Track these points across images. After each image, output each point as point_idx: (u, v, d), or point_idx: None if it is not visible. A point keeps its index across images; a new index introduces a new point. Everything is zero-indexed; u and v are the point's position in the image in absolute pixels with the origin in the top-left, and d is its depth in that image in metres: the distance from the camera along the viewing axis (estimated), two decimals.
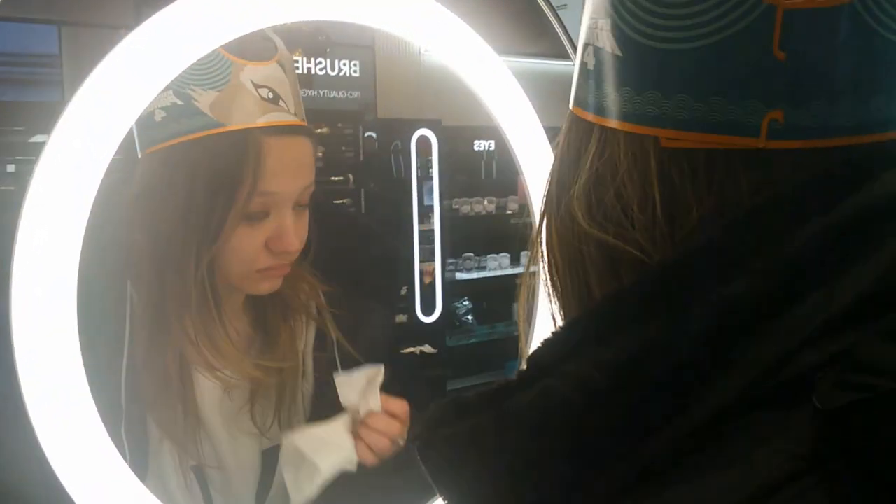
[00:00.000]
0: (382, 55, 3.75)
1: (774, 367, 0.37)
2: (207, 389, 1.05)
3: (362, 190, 3.62)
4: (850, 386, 0.34)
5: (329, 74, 3.58)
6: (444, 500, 0.44)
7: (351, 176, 3.61)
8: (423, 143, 3.71)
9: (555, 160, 0.51)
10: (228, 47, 0.93)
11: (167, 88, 0.91)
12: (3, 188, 2.76)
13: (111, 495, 0.80)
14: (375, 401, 1.05)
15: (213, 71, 0.96)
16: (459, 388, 3.77)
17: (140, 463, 0.96)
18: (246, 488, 1.08)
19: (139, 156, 0.99)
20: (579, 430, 0.40)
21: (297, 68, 3.45)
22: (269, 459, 1.09)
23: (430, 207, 3.76)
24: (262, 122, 0.97)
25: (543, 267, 0.52)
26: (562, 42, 1.14)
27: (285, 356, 1.10)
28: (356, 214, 3.29)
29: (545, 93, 1.14)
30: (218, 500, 1.06)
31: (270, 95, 0.98)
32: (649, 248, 0.44)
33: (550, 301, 0.52)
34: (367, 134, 3.65)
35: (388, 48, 3.75)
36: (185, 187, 0.95)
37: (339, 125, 3.59)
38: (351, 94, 3.65)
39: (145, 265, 0.98)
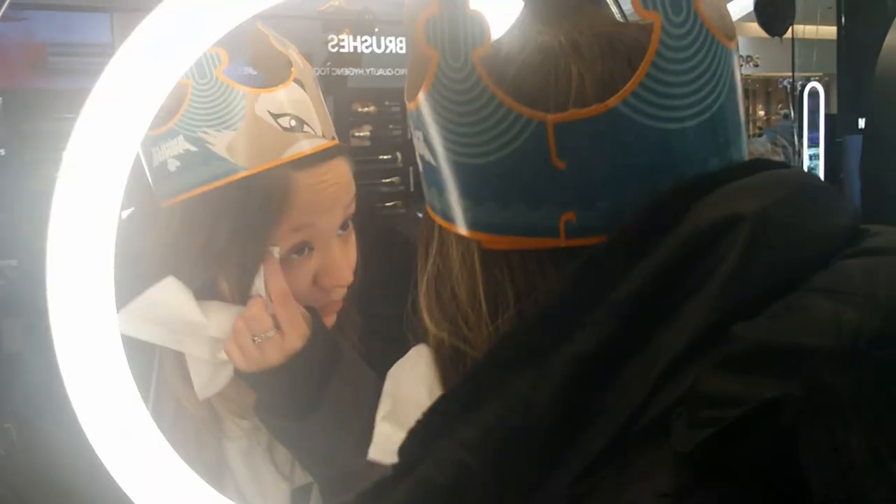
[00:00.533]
0: None
1: (631, 416, 0.39)
2: (234, 436, 1.01)
3: (410, 168, 3.62)
4: (699, 423, 0.36)
5: (376, 52, 3.56)
6: None
7: (399, 154, 3.61)
8: None
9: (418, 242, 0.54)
10: (234, 75, 0.86)
11: (177, 134, 0.84)
12: (56, 175, 2.82)
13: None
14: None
15: (223, 108, 0.86)
16: None
17: None
18: None
19: (161, 206, 0.91)
20: None
21: (344, 47, 3.44)
22: (300, 499, 1.03)
23: None
24: (287, 156, 0.88)
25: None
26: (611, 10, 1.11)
27: None
28: (404, 223, 3.29)
29: None
30: None
31: (293, 123, 0.89)
32: (479, 345, 0.48)
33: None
34: None
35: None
36: (212, 242, 0.88)
37: (387, 103, 3.57)
38: (398, 72, 3.63)
39: None
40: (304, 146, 0.89)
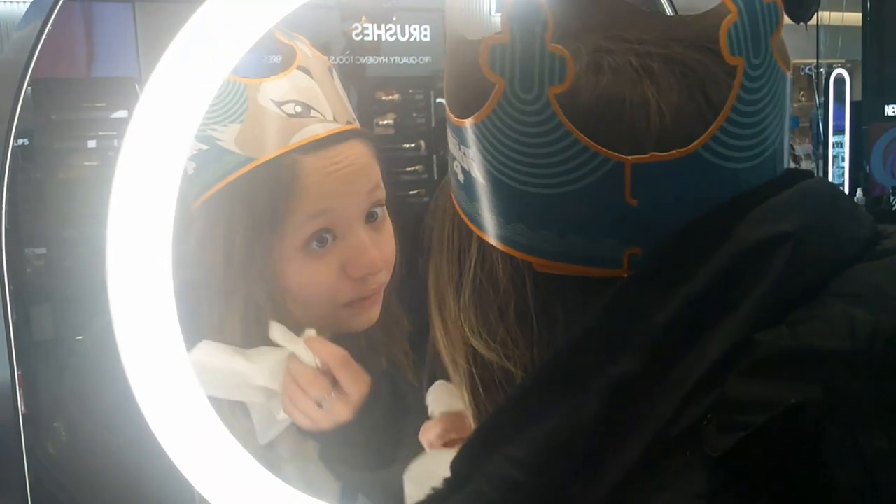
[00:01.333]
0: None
1: (666, 425, 0.41)
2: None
3: (434, 156, 3.61)
4: (730, 428, 0.38)
5: (399, 40, 3.55)
6: None
7: (423, 142, 3.60)
8: None
9: (434, 244, 0.53)
10: (236, 70, 0.83)
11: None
12: (86, 164, 2.84)
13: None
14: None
15: (227, 102, 0.85)
16: None
17: None
18: None
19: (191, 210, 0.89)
20: None
21: (368, 35, 3.44)
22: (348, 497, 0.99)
23: None
24: (295, 141, 0.86)
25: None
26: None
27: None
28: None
29: None
30: None
31: (298, 109, 0.87)
32: (523, 365, 0.48)
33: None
34: (438, 100, 3.63)
35: (459, 11, 3.70)
36: (226, 236, 0.86)
37: (410, 91, 3.57)
38: (422, 60, 3.62)
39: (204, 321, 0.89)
40: (313, 131, 0.87)
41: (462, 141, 0.48)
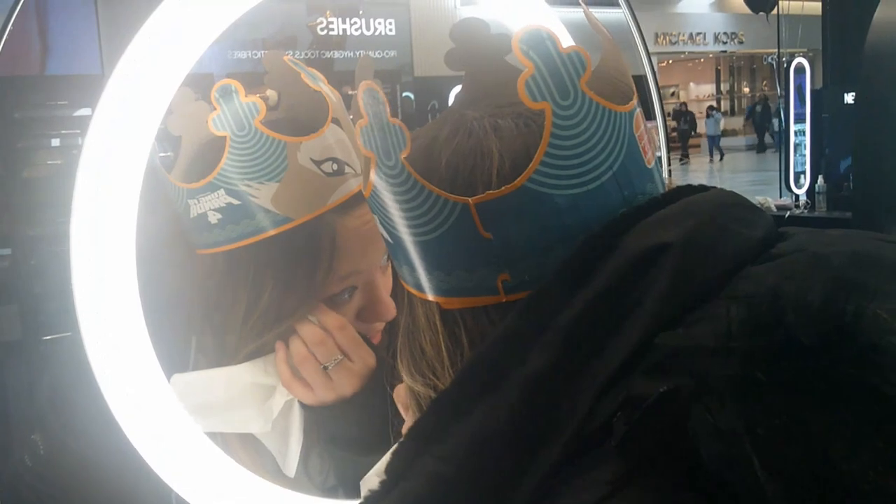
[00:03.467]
0: (418, 12, 3.72)
1: (582, 421, 0.45)
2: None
3: None
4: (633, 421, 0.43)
5: (364, 34, 3.56)
6: None
7: None
8: None
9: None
10: (274, 125, 0.83)
11: (217, 188, 0.83)
12: (50, 162, 2.81)
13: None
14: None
15: (265, 159, 0.83)
16: None
17: None
18: None
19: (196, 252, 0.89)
20: None
21: (333, 29, 3.43)
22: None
23: None
24: (332, 202, 0.85)
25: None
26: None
27: None
28: None
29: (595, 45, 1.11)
30: None
31: (335, 167, 0.85)
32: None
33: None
34: (404, 94, 3.63)
35: (424, 5, 3.71)
36: (254, 287, 0.85)
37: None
38: (387, 54, 3.63)
39: (207, 340, 0.90)
40: (349, 188, 0.86)
41: (372, 210, 0.56)
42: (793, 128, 5.90)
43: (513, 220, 0.50)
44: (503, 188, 0.50)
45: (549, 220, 0.50)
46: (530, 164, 0.49)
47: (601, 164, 0.51)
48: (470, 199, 0.50)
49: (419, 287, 0.55)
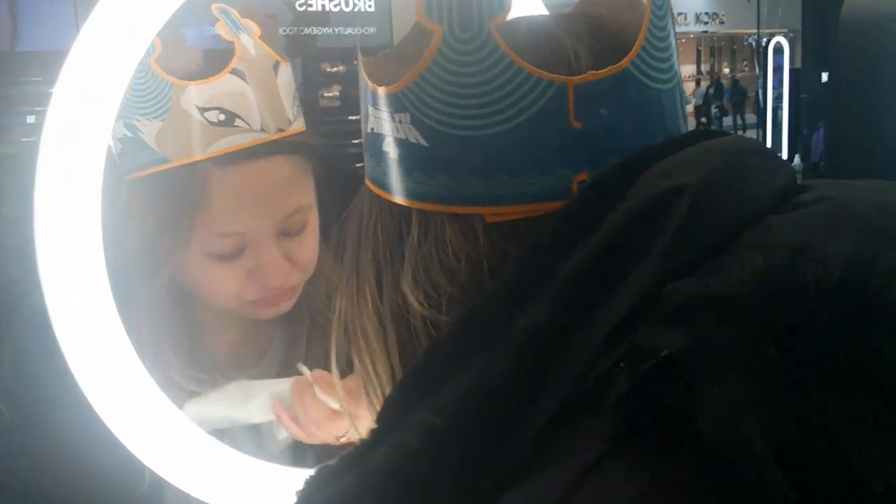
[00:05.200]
0: None
1: (581, 374, 0.42)
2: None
3: None
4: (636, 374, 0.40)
5: (344, 11, 3.53)
6: None
7: None
8: None
9: (363, 239, 0.54)
10: (166, 65, 0.83)
11: (119, 118, 0.83)
12: (24, 139, 2.78)
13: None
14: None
15: (153, 97, 0.85)
16: None
17: None
18: None
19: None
20: (431, 471, 0.45)
21: (312, 5, 3.41)
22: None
23: None
24: (210, 151, 0.85)
25: (341, 332, 0.57)
26: None
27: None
28: None
29: None
30: None
31: (222, 118, 0.85)
32: None
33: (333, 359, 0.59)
34: None
35: None
36: (141, 222, 0.87)
37: (356, 63, 3.54)
38: (367, 30, 3.61)
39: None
40: (232, 142, 0.85)
41: (397, 109, 0.48)
42: (769, 107, 5.94)
43: (608, 107, 0.46)
44: (608, 68, 0.46)
45: (639, 113, 0.47)
46: (635, 46, 0.46)
47: (674, 64, 0.50)
48: (571, 79, 0.45)
49: (456, 199, 0.48)
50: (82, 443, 0.84)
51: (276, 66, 0.90)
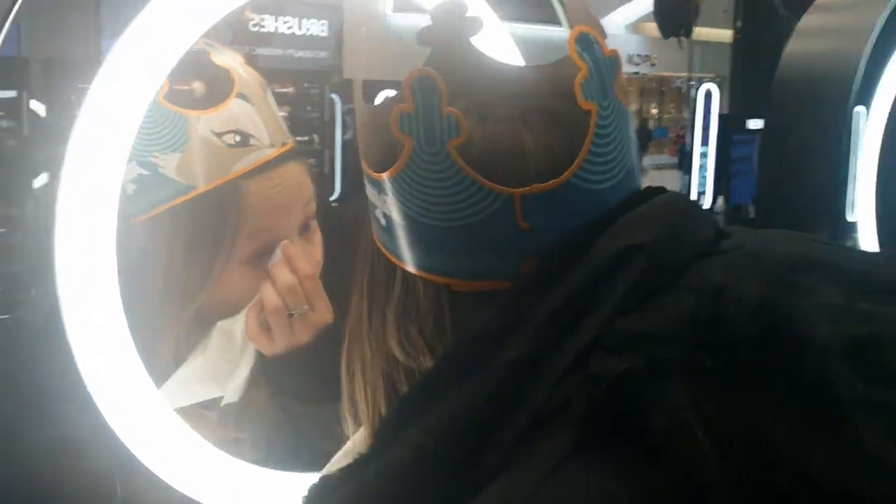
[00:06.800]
0: (350, 15, 3.74)
1: (548, 397, 0.51)
2: None
3: (325, 150, 3.64)
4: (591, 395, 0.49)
5: (296, 34, 3.56)
6: None
7: (316, 136, 3.62)
8: None
9: (363, 279, 0.63)
10: (176, 99, 0.88)
11: (130, 159, 0.85)
12: None
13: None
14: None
15: (167, 131, 0.89)
16: None
17: None
18: None
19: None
20: (422, 481, 0.53)
21: (265, 26, 3.43)
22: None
23: None
24: (235, 172, 0.91)
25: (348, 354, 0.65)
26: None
27: None
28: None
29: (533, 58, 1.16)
30: None
31: (238, 139, 0.91)
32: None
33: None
34: (332, 94, 3.66)
35: (357, 7, 3.74)
36: (166, 256, 0.91)
37: (305, 85, 3.58)
38: (318, 55, 3.64)
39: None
40: (253, 159, 0.92)
41: (381, 191, 0.58)
42: (698, 150, 6.15)
43: (553, 211, 0.54)
44: (550, 182, 0.54)
45: (584, 211, 0.55)
46: (576, 160, 0.54)
47: (623, 158, 0.57)
48: (516, 190, 0.54)
49: (431, 269, 0.57)
50: (52, 453, 0.86)
51: (263, 87, 0.98)
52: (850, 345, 0.47)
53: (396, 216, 0.57)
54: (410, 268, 0.58)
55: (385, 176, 0.57)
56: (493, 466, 0.51)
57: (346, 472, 0.56)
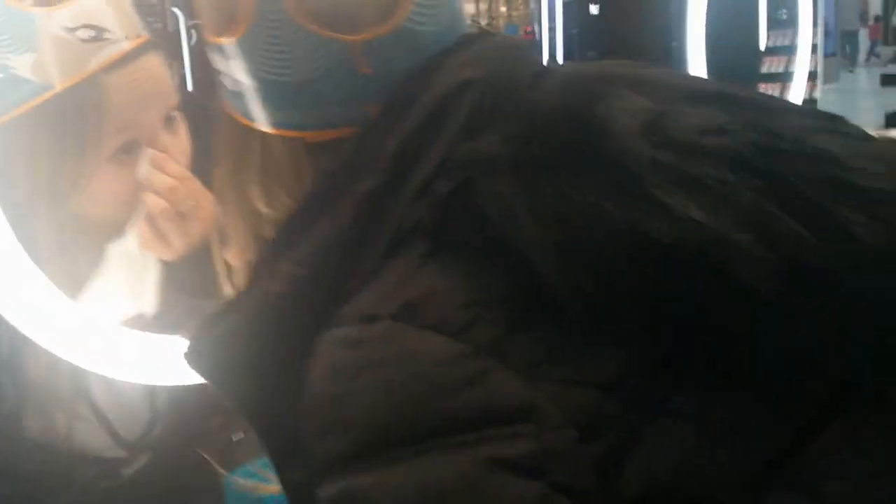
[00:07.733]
0: None
1: (398, 224, 0.56)
2: None
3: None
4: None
5: None
6: (222, 393, 0.60)
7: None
8: None
9: (220, 147, 0.67)
10: None
11: None
12: None
13: None
14: None
15: (17, 31, 0.88)
16: None
17: None
18: None
19: None
20: (296, 306, 0.57)
21: None
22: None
23: None
24: (92, 67, 0.90)
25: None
26: None
27: None
28: None
29: None
30: None
31: (92, 34, 0.90)
32: None
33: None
34: (173, 8, 3.51)
35: None
36: (29, 159, 0.90)
37: None
38: None
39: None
40: (108, 53, 0.91)
41: (226, 56, 0.61)
42: (546, 40, 6.22)
43: (391, 56, 0.59)
44: (384, 27, 0.59)
45: (421, 54, 0.60)
46: (407, 2, 0.59)
47: (449, 4, 0.63)
48: (357, 38, 0.58)
49: (285, 125, 0.61)
50: None
51: None
52: (644, 127, 0.54)
53: (244, 78, 0.61)
54: (264, 126, 0.62)
55: (229, 40, 0.60)
56: (357, 287, 0.56)
57: (226, 306, 0.61)
